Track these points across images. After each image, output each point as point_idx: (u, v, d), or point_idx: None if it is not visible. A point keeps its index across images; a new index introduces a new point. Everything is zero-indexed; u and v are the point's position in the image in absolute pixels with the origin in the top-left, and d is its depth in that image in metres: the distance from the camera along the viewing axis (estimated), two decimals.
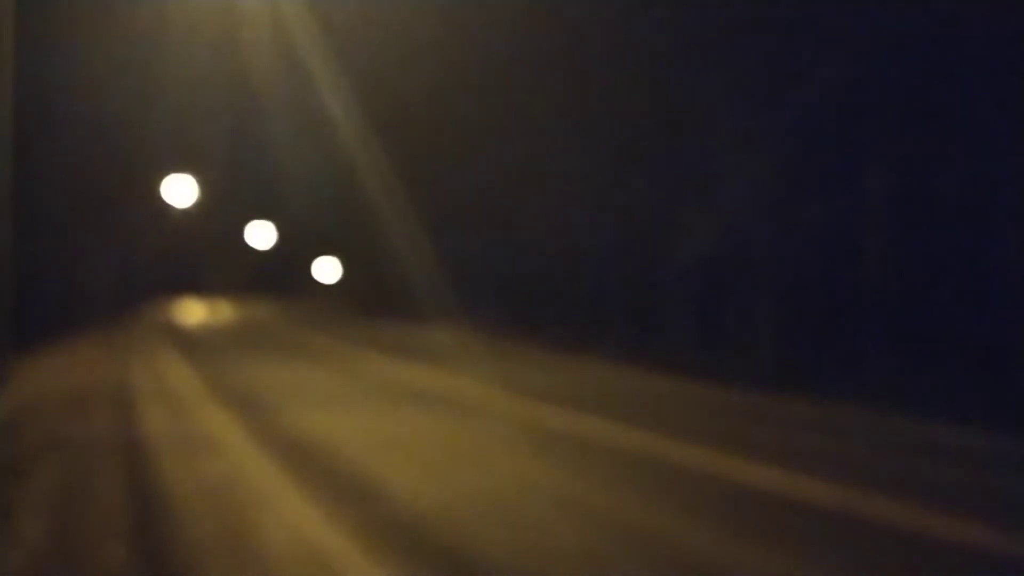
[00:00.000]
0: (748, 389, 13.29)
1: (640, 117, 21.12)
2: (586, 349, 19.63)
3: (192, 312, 43.30)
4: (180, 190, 52.73)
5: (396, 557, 4.93)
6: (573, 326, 24.23)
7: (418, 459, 7.87)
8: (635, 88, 21.07)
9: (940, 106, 15.13)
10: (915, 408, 11.07)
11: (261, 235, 64.07)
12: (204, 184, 54.02)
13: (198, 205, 58.44)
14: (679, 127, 20.05)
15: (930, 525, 5.73)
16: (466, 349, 20.08)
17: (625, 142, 21.74)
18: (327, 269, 57.07)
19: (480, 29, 26.81)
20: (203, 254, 71.00)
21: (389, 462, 7.65)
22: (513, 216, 28.49)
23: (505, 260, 29.93)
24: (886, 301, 15.68)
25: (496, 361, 16.84)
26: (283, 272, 65.98)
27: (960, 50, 14.42)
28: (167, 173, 50.53)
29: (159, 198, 51.90)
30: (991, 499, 6.65)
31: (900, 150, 15.87)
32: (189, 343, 23.25)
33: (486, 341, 22.38)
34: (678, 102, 19.84)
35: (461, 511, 6.01)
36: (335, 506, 6.01)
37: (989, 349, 13.60)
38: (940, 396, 12.07)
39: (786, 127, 16.99)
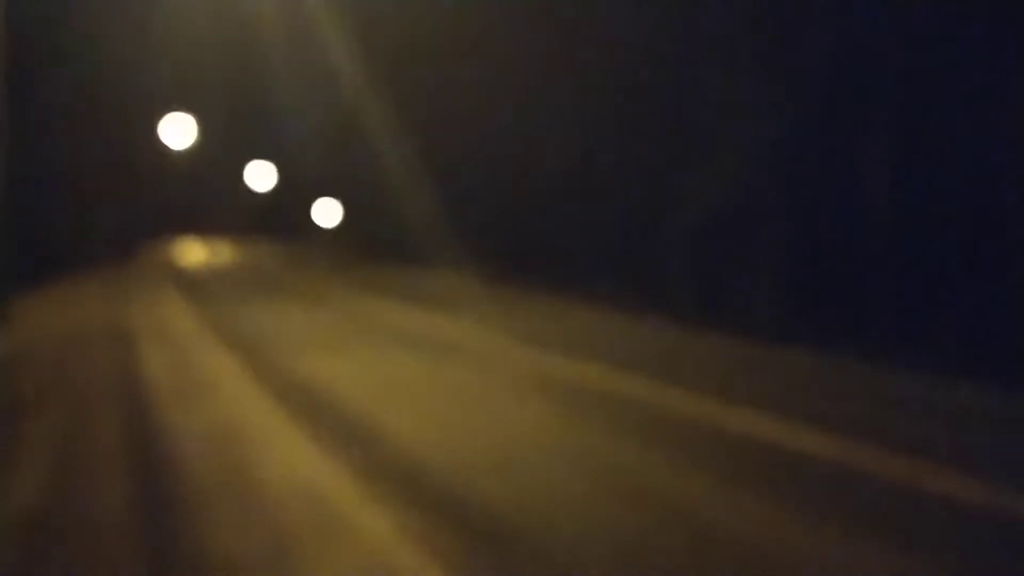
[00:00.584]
0: (747, 340, 13.33)
1: (639, 59, 20.83)
2: (587, 295, 19.60)
3: (192, 254, 43.11)
4: (179, 130, 52.00)
5: (395, 500, 4.95)
6: (571, 271, 24.17)
7: (416, 403, 7.87)
8: (632, 28, 20.75)
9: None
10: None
11: (261, 176, 63.41)
12: (203, 124, 53.29)
13: (197, 145, 57.70)
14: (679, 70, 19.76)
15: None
16: (466, 294, 20.05)
17: (628, 88, 21.44)
18: (328, 211, 56.50)
19: None
20: (203, 195, 70.45)
21: (388, 406, 7.65)
22: (515, 160, 28.23)
23: (505, 205, 29.73)
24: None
25: (495, 306, 16.83)
26: (284, 214, 65.51)
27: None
28: (166, 112, 49.74)
29: (158, 139, 51.24)
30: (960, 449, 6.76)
31: (902, 109, 15.68)
32: (188, 285, 23.18)
33: (486, 286, 22.35)
34: (677, 42, 19.49)
35: (458, 453, 6.05)
36: (334, 448, 6.03)
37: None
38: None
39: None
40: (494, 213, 30.48)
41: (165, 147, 52.26)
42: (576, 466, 5.85)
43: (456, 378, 9.20)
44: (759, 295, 17.98)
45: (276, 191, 66.39)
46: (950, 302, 14.14)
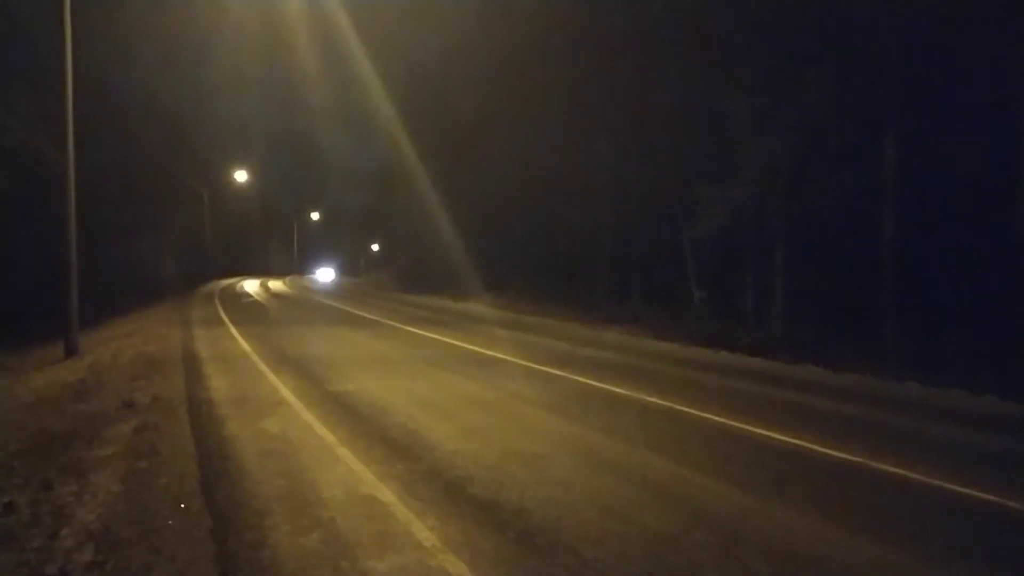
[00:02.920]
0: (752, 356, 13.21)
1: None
2: (608, 321, 19.57)
3: (250, 288, 43.78)
4: (238, 179, 53.62)
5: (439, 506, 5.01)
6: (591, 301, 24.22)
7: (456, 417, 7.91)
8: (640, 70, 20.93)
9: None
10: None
11: (318, 219, 66.37)
12: (259, 173, 54.66)
13: (256, 192, 59.12)
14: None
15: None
16: (493, 321, 20.12)
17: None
18: (377, 250, 58.61)
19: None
20: (258, 237, 72.19)
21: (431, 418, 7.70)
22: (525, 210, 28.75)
23: (520, 246, 30.15)
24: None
25: (516, 327, 16.86)
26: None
27: None
28: (224, 165, 51.20)
29: (222, 187, 52.75)
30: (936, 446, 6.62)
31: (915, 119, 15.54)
32: (244, 313, 23.55)
33: (511, 312, 22.41)
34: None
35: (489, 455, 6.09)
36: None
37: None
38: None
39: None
40: (513, 253, 30.91)
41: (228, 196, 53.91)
42: (613, 471, 5.86)
43: (482, 392, 9.24)
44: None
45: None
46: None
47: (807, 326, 16.73)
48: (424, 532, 4.53)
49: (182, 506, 4.97)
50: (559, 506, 5.05)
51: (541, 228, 28.28)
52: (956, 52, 14.47)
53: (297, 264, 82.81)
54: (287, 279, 64.33)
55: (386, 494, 5.24)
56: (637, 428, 7.47)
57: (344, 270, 79.72)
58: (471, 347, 14.08)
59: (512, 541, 4.44)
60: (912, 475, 6.00)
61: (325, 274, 72.23)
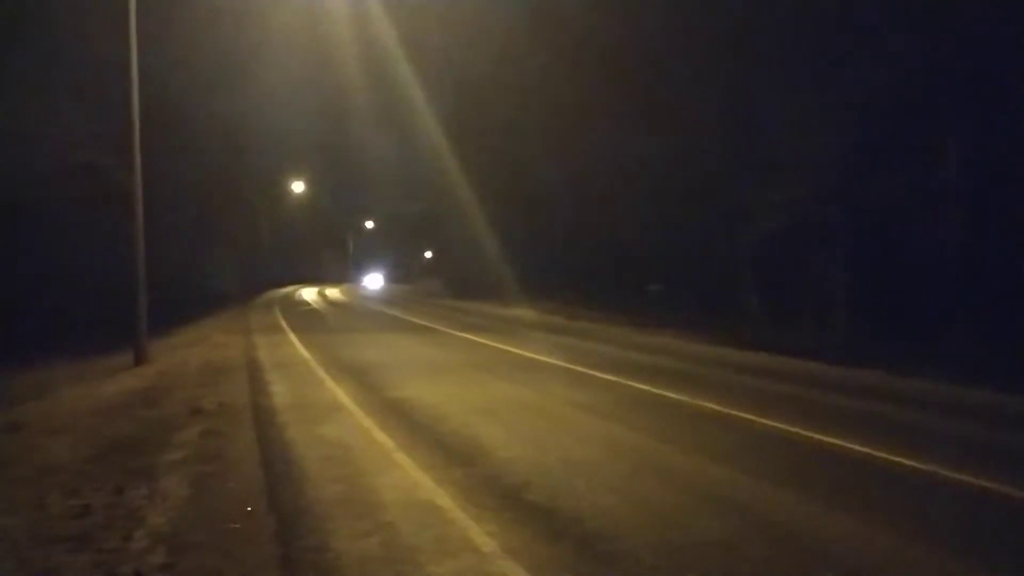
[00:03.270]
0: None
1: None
2: (660, 325, 19.35)
3: (307, 296, 44.74)
4: (295, 189, 55.02)
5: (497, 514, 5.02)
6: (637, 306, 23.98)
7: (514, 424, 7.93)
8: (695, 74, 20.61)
9: None
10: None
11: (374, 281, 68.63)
12: (314, 183, 55.99)
13: (310, 202, 60.70)
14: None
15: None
16: (544, 326, 20.09)
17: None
18: (428, 257, 59.59)
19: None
20: (313, 246, 74.02)
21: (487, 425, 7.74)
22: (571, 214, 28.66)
23: (569, 251, 30.06)
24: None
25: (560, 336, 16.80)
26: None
27: None
28: (279, 176, 52.58)
29: (281, 199, 54.28)
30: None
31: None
32: (302, 321, 24.07)
33: (561, 317, 22.36)
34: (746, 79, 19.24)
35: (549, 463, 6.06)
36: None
37: None
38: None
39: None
40: (560, 258, 30.85)
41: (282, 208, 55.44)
42: (678, 487, 5.79)
43: (539, 401, 9.23)
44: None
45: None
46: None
47: (868, 329, 16.22)
48: (483, 537, 4.54)
49: (248, 509, 5.10)
50: (617, 513, 5.00)
51: (589, 233, 28.17)
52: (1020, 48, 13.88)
53: (351, 272, 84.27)
54: (342, 287, 65.51)
55: (444, 499, 5.27)
56: (694, 435, 7.36)
57: (396, 277, 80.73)
58: (524, 353, 14.09)
59: (571, 548, 4.42)
60: (994, 487, 5.71)
61: (373, 280, 72.58)
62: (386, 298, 42.71)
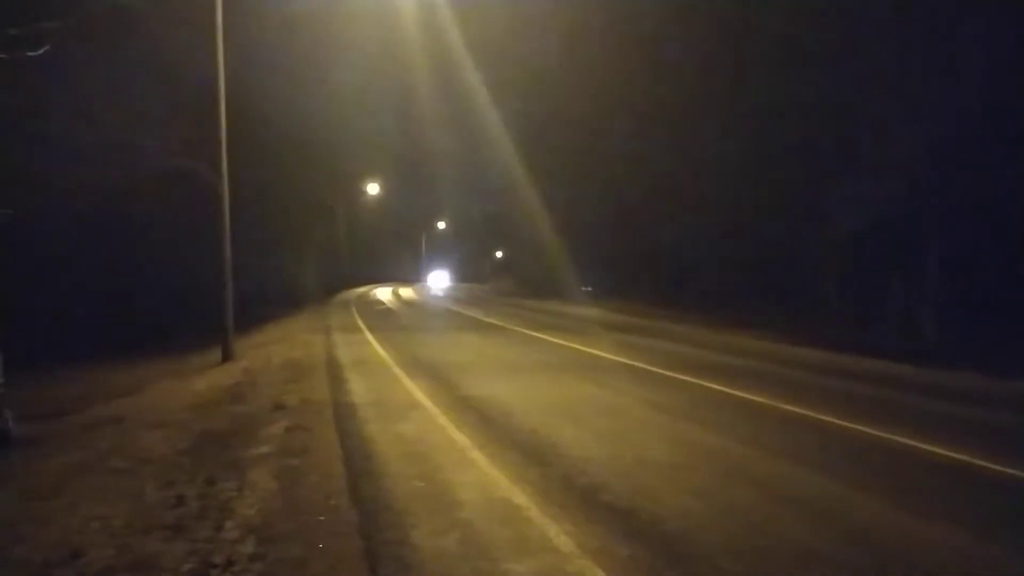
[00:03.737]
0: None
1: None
2: (738, 325, 18.89)
3: (382, 296, 45.69)
4: (370, 191, 56.37)
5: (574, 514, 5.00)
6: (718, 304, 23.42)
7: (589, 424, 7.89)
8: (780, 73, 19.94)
9: None
10: None
11: (439, 280, 69.30)
12: (388, 185, 57.24)
13: (384, 203, 62.00)
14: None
15: None
16: (617, 326, 19.89)
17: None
18: (497, 256, 60.02)
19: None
20: (387, 246, 75.63)
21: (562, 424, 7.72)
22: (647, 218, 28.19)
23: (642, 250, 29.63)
24: None
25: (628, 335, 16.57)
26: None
27: None
28: (355, 179, 53.90)
29: (356, 199, 55.71)
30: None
31: None
32: (378, 320, 24.59)
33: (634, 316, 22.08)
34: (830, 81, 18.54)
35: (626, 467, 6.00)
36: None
37: None
38: None
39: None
40: (634, 256, 30.45)
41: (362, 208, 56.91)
42: (754, 488, 5.64)
43: (617, 401, 9.14)
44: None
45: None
46: None
47: (962, 329, 15.40)
48: (561, 537, 4.53)
49: (331, 503, 5.25)
50: (697, 517, 4.91)
51: (663, 232, 27.77)
52: None
53: (424, 272, 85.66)
54: (415, 286, 66.64)
55: (520, 498, 5.30)
56: (777, 438, 7.14)
57: (468, 276, 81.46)
58: (597, 352, 14.01)
59: (650, 550, 4.36)
60: None
61: (437, 279, 72.21)
62: (458, 297, 43.20)
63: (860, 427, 7.51)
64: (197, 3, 13.35)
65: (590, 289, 31.04)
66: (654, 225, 28.22)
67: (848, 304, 19.35)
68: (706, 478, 5.79)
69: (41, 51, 9.80)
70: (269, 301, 28.16)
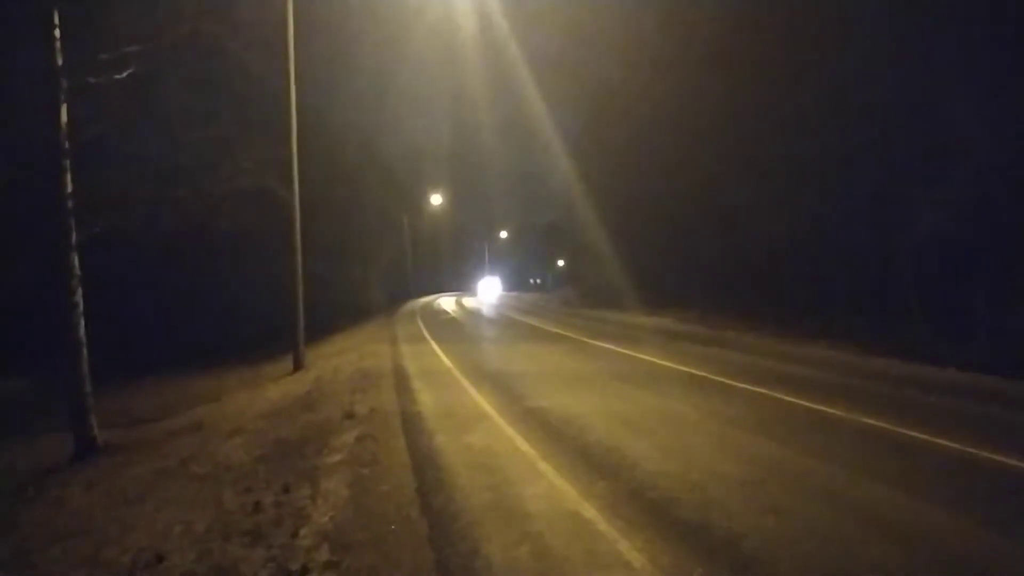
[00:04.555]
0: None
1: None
2: (810, 336, 18.29)
3: (446, 306, 46.15)
4: (436, 200, 57.22)
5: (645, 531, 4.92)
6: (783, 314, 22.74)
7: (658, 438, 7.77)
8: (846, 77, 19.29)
9: None
10: None
11: (502, 236, 68.87)
12: (452, 196, 58.04)
13: (448, 214, 62.82)
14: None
15: None
16: (683, 336, 19.56)
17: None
18: (555, 266, 59.95)
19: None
20: (450, 256, 76.43)
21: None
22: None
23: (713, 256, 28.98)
24: None
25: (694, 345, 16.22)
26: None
27: None
28: (420, 191, 54.81)
29: (419, 209, 56.65)
30: None
31: None
32: (443, 330, 24.84)
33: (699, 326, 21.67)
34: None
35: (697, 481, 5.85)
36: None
37: None
38: None
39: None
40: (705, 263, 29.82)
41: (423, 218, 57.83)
42: (835, 505, 5.45)
43: (686, 413, 8.96)
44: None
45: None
46: None
47: None
48: (633, 553, 4.47)
49: (403, 513, 5.31)
50: (773, 535, 4.76)
51: (729, 240, 27.16)
52: None
53: (479, 280, 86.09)
54: (478, 296, 67.10)
55: (590, 511, 5.25)
56: (855, 454, 6.86)
57: (528, 285, 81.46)
58: (663, 363, 13.80)
59: (726, 569, 4.26)
60: None
61: (488, 286, 67.85)
62: (521, 307, 43.25)
63: (942, 441, 7.15)
64: (273, 29, 13.87)
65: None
66: (720, 233, 27.64)
67: (929, 314, 18.50)
68: (781, 495, 5.61)
69: (125, 74, 10.31)
70: (339, 312, 28.84)
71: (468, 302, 52.48)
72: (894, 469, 6.31)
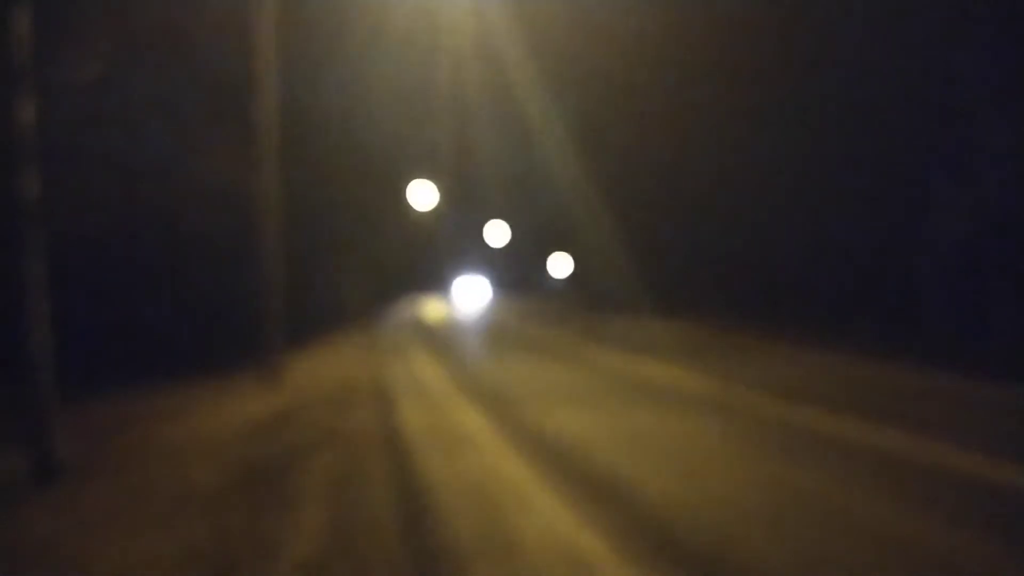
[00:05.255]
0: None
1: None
2: (828, 345, 18.21)
3: (434, 307, 46.00)
4: (422, 196, 56.82)
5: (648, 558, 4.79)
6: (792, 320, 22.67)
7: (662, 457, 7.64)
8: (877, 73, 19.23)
9: None
10: None
11: (497, 234, 68.24)
12: (443, 189, 57.88)
13: (438, 209, 62.63)
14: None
15: None
16: (695, 343, 19.47)
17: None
18: (558, 266, 59.63)
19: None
20: (444, 254, 76.22)
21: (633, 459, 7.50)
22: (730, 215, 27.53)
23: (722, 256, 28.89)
24: None
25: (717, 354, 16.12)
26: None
27: None
28: (405, 188, 54.52)
29: (404, 205, 56.32)
30: None
31: None
32: (430, 338, 24.72)
33: (711, 334, 21.58)
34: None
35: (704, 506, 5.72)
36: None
37: None
38: None
39: None
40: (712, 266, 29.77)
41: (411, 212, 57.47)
42: (845, 529, 5.32)
43: (694, 429, 8.84)
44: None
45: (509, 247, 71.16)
46: None
47: None
48: None
49: (386, 542, 5.17)
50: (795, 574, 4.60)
51: (744, 244, 27.05)
52: None
53: (457, 278, 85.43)
54: (453, 303, 66.94)
55: (594, 542, 5.11)
56: (891, 482, 6.73)
57: (523, 285, 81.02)
58: (673, 373, 13.68)
59: None
60: None
61: (469, 288, 66.65)
62: (518, 310, 43.15)
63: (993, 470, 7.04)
64: (245, 19, 13.70)
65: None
66: (729, 237, 27.54)
67: (961, 320, 18.31)
68: (809, 526, 5.39)
69: (95, 71, 10.17)
70: (318, 316, 28.62)
71: (459, 303, 52.30)
72: (932, 499, 6.16)
